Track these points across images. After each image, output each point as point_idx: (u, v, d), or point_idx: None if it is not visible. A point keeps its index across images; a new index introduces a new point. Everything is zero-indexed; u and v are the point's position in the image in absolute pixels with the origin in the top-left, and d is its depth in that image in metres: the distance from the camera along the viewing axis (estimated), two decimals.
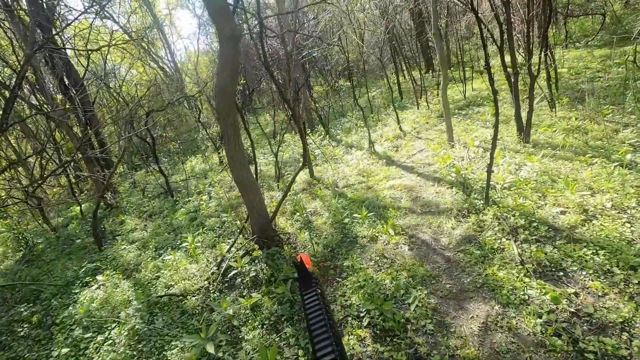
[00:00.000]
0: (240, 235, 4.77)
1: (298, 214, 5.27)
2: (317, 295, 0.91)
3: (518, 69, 5.55)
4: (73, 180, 10.47)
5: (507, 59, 5.58)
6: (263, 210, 4.45)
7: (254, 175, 4.70)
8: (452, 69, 15.01)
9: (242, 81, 6.12)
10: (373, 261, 3.74)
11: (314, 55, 10.22)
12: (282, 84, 4.32)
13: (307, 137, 6.90)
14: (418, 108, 10.13)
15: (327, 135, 9.71)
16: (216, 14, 3.68)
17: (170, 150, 12.91)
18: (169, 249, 5.61)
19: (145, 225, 7.32)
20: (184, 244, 5.24)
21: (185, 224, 6.56)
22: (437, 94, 10.96)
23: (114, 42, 11.74)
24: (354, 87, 7.98)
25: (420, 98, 10.63)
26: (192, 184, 8.96)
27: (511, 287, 2.86)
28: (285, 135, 10.77)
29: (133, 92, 11.70)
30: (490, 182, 4.14)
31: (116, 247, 6.27)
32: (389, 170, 6.21)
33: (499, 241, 3.44)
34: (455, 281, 3.17)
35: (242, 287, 3.96)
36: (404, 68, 16.38)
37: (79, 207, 9.13)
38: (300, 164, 7.02)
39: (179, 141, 12.67)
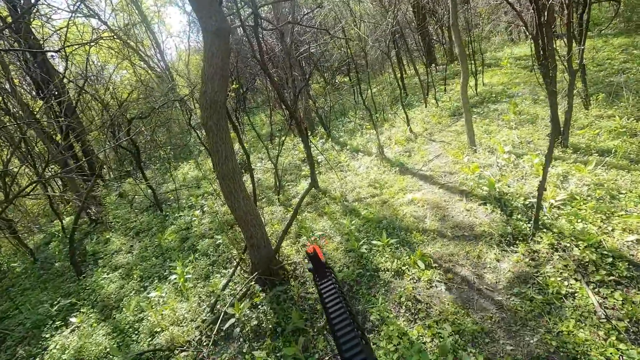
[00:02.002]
0: (238, 268, 4.03)
1: (304, 237, 4.53)
2: (334, 285, 0.89)
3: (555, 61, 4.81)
4: (55, 193, 9.63)
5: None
6: (264, 241, 3.71)
7: (253, 198, 3.95)
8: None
9: (233, 85, 5.33)
10: (403, 307, 3.02)
11: (313, 51, 9.43)
12: (280, 85, 3.61)
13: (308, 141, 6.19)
14: (426, 106, 9.38)
15: (329, 138, 8.94)
16: (198, 2, 2.91)
17: (161, 156, 12.08)
18: (156, 280, 4.86)
19: (132, 246, 6.55)
20: (173, 276, 4.49)
21: (175, 246, 5.81)
22: (445, 90, 10.23)
23: (96, 40, 10.86)
24: (359, 84, 7.20)
25: (427, 95, 9.89)
26: (183, 195, 8.18)
27: (601, 357, 2.15)
28: (282, 137, 10.00)
29: (121, 94, 10.86)
30: (535, 197, 3.43)
31: (97, 275, 5.51)
32: (404, 180, 5.48)
33: (565, 282, 2.72)
34: (517, 341, 2.46)
35: (241, 339, 3.23)
36: (405, 62, 15.63)
37: (61, 224, 8.31)
38: (305, 173, 6.29)
39: (169, 147, 11.83)
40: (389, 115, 9.45)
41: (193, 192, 8.13)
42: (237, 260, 4.03)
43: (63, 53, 9.23)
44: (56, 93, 8.41)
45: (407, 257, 3.58)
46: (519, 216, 3.63)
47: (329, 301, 0.84)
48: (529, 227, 3.39)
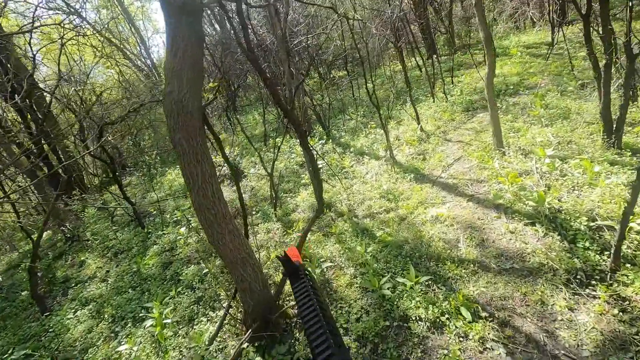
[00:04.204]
0: (228, 315, 3.20)
1: (309, 267, 3.70)
2: (306, 286, 0.85)
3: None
4: (23, 208, 8.72)
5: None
6: (260, 284, 2.87)
7: (244, 226, 3.11)
8: (459, 52, 13.45)
9: (211, 84, 4.47)
10: None
11: (309, 43, 8.54)
12: (273, 81, 2.83)
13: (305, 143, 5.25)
14: (434, 100, 8.56)
15: (330, 139, 8.09)
16: None
17: (147, 162, 11.13)
18: (130, 323, 4.01)
19: (108, 271, 5.68)
20: (149, 321, 3.65)
21: (155, 273, 4.96)
22: (452, 82, 9.39)
23: (74, 36, 9.87)
24: (365, 76, 6.33)
25: (433, 88, 9.04)
26: (169, 207, 7.31)
27: None
28: (277, 139, 9.14)
29: (102, 96, 9.88)
30: (601, 216, 2.64)
31: (63, 313, 4.65)
32: (422, 191, 4.66)
33: None
34: None
35: None
36: (405, 53, 14.76)
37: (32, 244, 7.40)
38: (305, 182, 5.43)
39: (154, 151, 10.89)
40: (394, 112, 8.61)
41: (180, 203, 7.26)
42: (225, 306, 3.20)
43: (30, 52, 8.25)
44: (20, 94, 7.46)
45: (445, 301, 2.77)
46: (586, 243, 2.83)
47: (301, 305, 0.81)
48: (606, 261, 2.59)
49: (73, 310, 4.69)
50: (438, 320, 2.65)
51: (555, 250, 2.90)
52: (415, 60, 12.90)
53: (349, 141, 7.76)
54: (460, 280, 2.98)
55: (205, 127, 2.57)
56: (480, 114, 6.83)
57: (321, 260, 3.78)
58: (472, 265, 3.08)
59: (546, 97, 6.09)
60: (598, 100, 4.65)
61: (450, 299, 2.74)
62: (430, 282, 3.00)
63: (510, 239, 3.26)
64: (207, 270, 4.32)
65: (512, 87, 7.38)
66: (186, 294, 4.17)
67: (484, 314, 2.58)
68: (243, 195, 6.36)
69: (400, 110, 8.47)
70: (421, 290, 2.94)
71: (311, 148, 4.34)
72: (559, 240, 2.98)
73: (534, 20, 13.35)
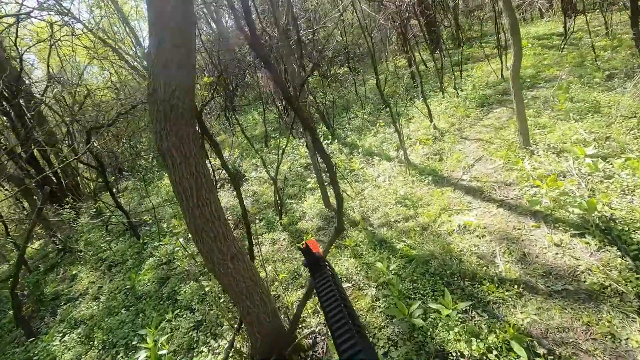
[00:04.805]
0: (232, 349, 2.76)
1: None
2: (328, 278, 0.82)
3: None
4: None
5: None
6: (270, 314, 2.43)
7: (248, 247, 2.67)
8: (464, 46, 12.98)
9: (205, 79, 4.03)
10: None
11: (312, 37, 8.10)
12: (280, 77, 2.44)
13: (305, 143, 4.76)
14: (443, 95, 8.11)
15: (335, 139, 7.64)
16: None
17: (142, 165, 10.68)
18: (122, 352, 3.58)
19: (100, 287, 5.25)
20: (142, 353, 3.21)
21: (151, 291, 4.52)
22: (462, 76, 8.92)
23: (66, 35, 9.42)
24: (376, 71, 5.89)
25: (442, 82, 8.59)
26: (167, 214, 6.87)
27: None
28: (279, 139, 8.69)
29: (94, 98, 9.43)
30: None
31: (49, 338, 4.21)
32: (443, 195, 4.22)
33: None
34: None
35: None
36: (407, 47, 14.27)
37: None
38: (312, 186, 4.98)
39: (151, 154, 10.44)
40: (402, 109, 8.15)
41: (177, 210, 6.81)
42: (229, 340, 2.76)
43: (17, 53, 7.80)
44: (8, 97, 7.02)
45: (491, 332, 2.33)
46: None
47: (323, 296, 0.77)
48: None
49: (61, 335, 4.26)
50: (485, 358, 2.21)
51: (617, 268, 2.46)
52: (420, 54, 12.44)
53: (356, 141, 7.31)
54: (504, 305, 2.54)
55: (201, 133, 2.13)
56: (496, 109, 6.39)
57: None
58: (515, 286, 2.64)
59: (570, 89, 5.65)
60: (634, 92, 4.21)
61: (497, 330, 2.30)
62: (470, 308, 2.56)
63: (557, 254, 2.82)
64: (208, 288, 3.88)
65: (528, 80, 6.93)
66: (185, 316, 3.73)
67: (541, 351, 2.14)
68: (245, 201, 5.92)
69: (408, 107, 8.02)
70: (459, 317, 2.50)
71: (320, 146, 3.89)
72: (620, 256, 2.54)
73: (542, 11, 12.91)
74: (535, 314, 2.38)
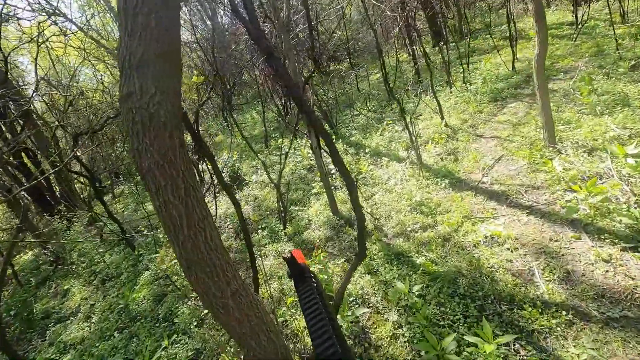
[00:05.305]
0: None
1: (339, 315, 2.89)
2: (312, 289, 0.76)
3: None
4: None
5: None
6: (279, 355, 2.06)
7: (252, 276, 2.30)
8: (469, 38, 12.53)
9: (195, 77, 3.64)
10: None
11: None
12: (287, 73, 2.10)
13: (303, 142, 4.37)
14: (451, 88, 7.71)
15: (339, 138, 7.25)
16: None
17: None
18: None
19: (93, 305, 4.89)
20: None
21: (146, 310, 4.16)
22: (469, 69, 8.51)
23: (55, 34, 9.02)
24: (384, 69, 5.50)
25: (449, 75, 8.18)
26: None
27: None
28: (280, 140, 8.29)
29: (89, 101, 9.01)
30: None
31: None
32: (464, 201, 3.85)
33: None
34: None
35: None
36: (408, 41, 13.84)
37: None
38: (316, 191, 4.59)
39: None
40: (409, 105, 7.75)
41: None
42: None
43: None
44: None
45: None
46: None
47: (307, 309, 0.73)
48: None
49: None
50: None
51: None
52: (423, 48, 12.02)
53: (361, 140, 6.92)
54: (552, 336, 2.18)
55: (195, 143, 1.74)
56: (511, 104, 6.00)
57: (351, 300, 2.97)
58: (563, 312, 2.28)
59: (592, 81, 5.25)
60: None
61: None
62: (515, 342, 2.20)
63: (607, 271, 2.45)
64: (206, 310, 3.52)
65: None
66: (182, 341, 3.37)
67: None
68: (246, 207, 5.53)
69: (415, 103, 7.62)
70: (500, 353, 2.14)
71: (324, 153, 3.49)
72: None
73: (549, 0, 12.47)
74: (592, 349, 2.01)
